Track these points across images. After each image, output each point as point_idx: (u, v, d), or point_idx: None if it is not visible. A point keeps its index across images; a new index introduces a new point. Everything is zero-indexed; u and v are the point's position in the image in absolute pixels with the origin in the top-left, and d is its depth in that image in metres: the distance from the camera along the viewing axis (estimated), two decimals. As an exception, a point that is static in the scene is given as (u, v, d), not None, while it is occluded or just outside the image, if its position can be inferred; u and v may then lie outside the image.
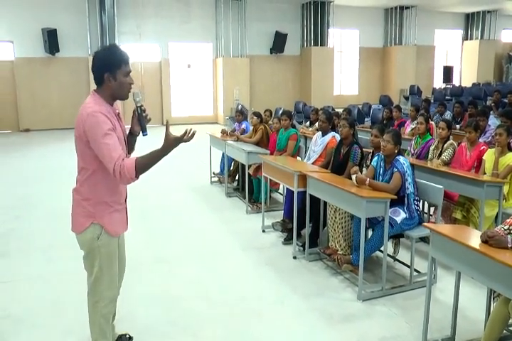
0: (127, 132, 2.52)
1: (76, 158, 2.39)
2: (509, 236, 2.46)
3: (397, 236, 3.89)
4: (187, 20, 15.04)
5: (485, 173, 4.28)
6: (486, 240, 2.41)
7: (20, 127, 13.79)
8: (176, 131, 2.15)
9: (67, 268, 4.06)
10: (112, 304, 2.58)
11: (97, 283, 2.47)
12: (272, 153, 5.76)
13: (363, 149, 4.57)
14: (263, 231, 5.00)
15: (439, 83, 19.22)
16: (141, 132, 2.48)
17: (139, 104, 2.43)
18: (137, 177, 2.19)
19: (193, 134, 2.20)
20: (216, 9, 15.25)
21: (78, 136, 2.27)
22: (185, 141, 2.20)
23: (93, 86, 2.35)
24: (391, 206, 3.55)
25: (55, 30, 13.32)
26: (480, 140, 5.12)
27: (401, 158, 3.74)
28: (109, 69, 2.25)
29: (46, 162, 9.02)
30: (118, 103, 2.47)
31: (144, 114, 2.43)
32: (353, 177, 3.71)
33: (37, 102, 13.83)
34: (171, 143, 2.18)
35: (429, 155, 5.18)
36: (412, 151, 5.46)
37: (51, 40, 13.29)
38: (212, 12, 15.27)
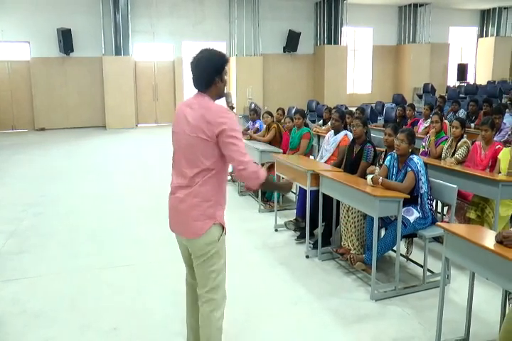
0: None
1: (183, 160, 2.38)
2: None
3: (410, 236, 3.87)
4: (201, 19, 15.08)
5: (500, 172, 4.24)
6: (501, 240, 2.39)
7: (35, 126, 13.94)
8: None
9: (85, 265, 4.14)
10: (223, 315, 2.45)
11: (217, 289, 2.41)
12: (284, 152, 5.77)
13: (376, 148, 4.56)
14: (276, 230, 5.01)
15: (453, 81, 19.03)
16: None
17: (230, 104, 2.59)
18: (260, 187, 2.34)
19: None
20: (230, 8, 15.28)
21: (205, 136, 2.27)
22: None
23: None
24: (404, 205, 3.54)
25: (70, 30, 13.45)
26: (495, 138, 5.06)
27: (415, 157, 3.72)
28: (219, 72, 2.38)
29: (63, 160, 9.10)
30: None
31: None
32: (369, 177, 3.70)
33: (52, 101, 13.96)
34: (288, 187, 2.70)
35: (443, 154, 5.14)
36: (426, 150, 5.42)
37: (66, 40, 13.41)
38: (226, 11, 15.31)
